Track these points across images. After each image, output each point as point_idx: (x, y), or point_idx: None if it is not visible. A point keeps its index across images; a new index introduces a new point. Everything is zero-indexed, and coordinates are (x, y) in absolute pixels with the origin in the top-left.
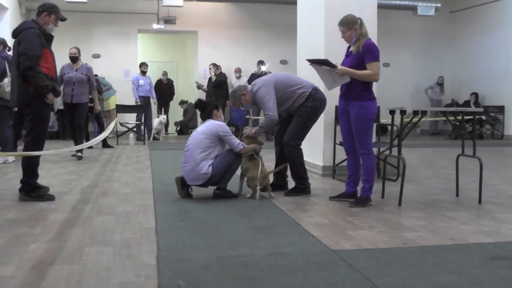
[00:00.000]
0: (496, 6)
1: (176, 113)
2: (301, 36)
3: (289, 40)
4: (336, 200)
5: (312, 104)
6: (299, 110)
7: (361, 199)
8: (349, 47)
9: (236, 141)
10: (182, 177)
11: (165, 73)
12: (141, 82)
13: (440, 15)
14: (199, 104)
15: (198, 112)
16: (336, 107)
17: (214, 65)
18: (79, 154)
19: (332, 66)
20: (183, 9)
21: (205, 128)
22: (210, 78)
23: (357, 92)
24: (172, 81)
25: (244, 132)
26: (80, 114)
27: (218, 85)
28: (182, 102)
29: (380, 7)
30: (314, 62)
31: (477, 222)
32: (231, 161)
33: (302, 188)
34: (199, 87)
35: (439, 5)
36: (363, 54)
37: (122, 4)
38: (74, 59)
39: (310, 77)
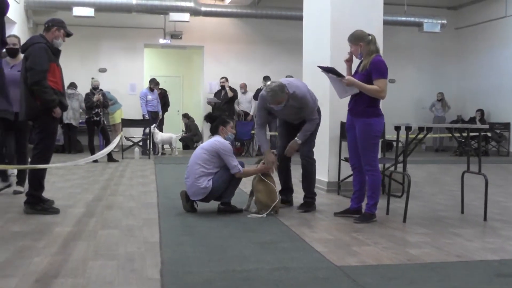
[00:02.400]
0: (501, 23)
1: (178, 126)
2: (307, 51)
3: (295, 56)
4: (341, 216)
5: (319, 117)
6: None
7: (366, 215)
8: (360, 63)
9: (234, 162)
10: (186, 191)
11: (157, 83)
12: (150, 97)
13: (446, 32)
14: (208, 117)
15: (201, 127)
16: (341, 123)
17: (226, 79)
18: (18, 188)
19: (339, 75)
20: (189, 24)
21: (207, 143)
22: (220, 91)
23: (363, 109)
24: (166, 91)
25: (262, 161)
26: (22, 133)
27: (231, 100)
28: (185, 116)
29: (386, 24)
30: (324, 70)
31: (482, 239)
32: (231, 176)
33: (311, 202)
34: (210, 102)
35: (445, 21)
36: (370, 71)
37: (129, 19)
38: (13, 52)
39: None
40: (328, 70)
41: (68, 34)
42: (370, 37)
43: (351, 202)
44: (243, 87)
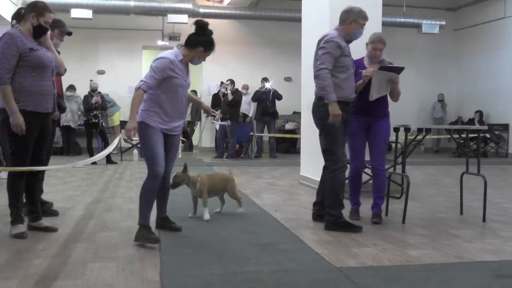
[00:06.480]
0: (500, 24)
1: None
2: (305, 53)
3: (294, 58)
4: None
5: None
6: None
7: (379, 215)
8: (362, 63)
9: (147, 80)
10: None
11: None
12: None
13: (445, 33)
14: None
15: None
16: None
17: (232, 81)
18: None
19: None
20: (188, 26)
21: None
22: (220, 94)
23: (386, 111)
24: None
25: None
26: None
27: (235, 104)
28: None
29: (384, 25)
30: (387, 69)
31: (481, 240)
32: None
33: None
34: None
35: (443, 23)
36: None
37: (127, 21)
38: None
39: (312, 94)
40: (393, 70)
41: (66, 33)
42: None
43: (353, 203)
44: (245, 88)
